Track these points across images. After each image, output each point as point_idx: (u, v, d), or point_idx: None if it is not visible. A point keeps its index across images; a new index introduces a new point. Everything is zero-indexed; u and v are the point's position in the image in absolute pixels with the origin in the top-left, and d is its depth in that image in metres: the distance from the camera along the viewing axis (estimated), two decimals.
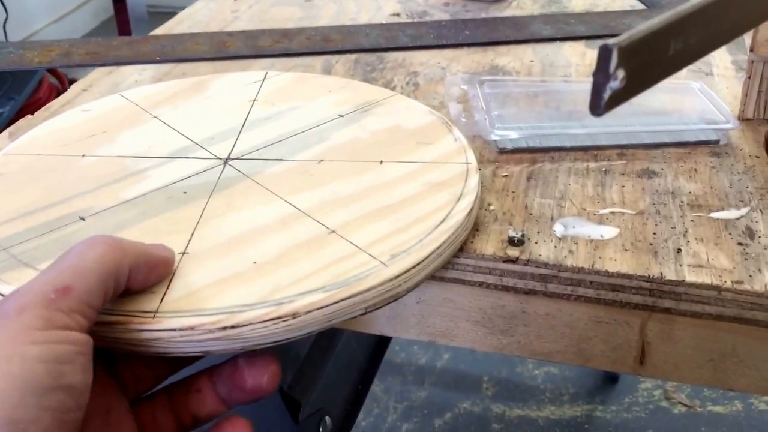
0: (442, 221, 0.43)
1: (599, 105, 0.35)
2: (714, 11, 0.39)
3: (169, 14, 0.84)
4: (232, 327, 0.37)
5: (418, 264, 0.41)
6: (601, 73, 0.34)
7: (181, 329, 0.37)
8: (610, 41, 0.33)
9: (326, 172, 0.49)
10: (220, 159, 0.50)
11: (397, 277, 0.40)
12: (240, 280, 0.40)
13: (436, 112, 0.54)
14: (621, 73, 0.34)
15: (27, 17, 2.96)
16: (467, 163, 0.49)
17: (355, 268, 0.40)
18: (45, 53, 0.71)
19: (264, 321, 0.38)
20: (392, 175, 0.48)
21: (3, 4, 2.63)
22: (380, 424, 1.47)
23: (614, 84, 0.34)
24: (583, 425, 1.44)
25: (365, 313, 0.40)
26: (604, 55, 0.33)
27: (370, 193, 0.46)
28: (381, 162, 0.49)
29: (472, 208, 0.45)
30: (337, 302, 0.39)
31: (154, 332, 0.37)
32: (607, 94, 0.34)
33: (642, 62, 0.35)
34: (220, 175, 0.48)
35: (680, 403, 1.47)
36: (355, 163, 0.49)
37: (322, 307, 0.38)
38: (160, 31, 0.78)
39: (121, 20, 2.42)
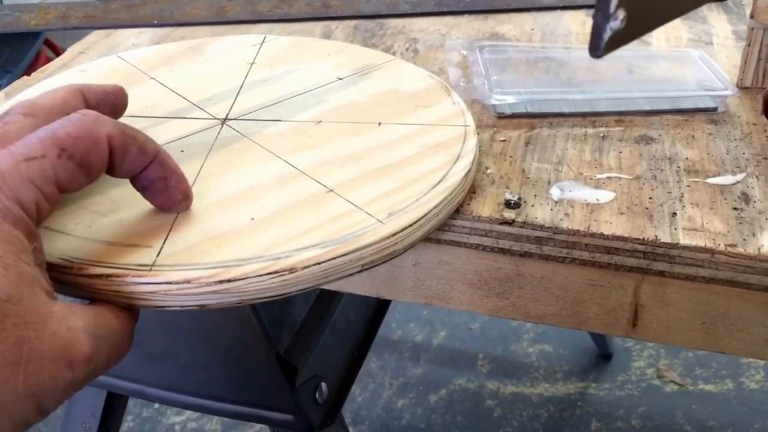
0: (440, 182, 0.43)
1: (599, 46, 0.34)
2: None
3: None
4: (229, 281, 0.37)
5: (414, 223, 0.41)
6: (601, 13, 0.34)
7: (177, 282, 0.37)
8: None
9: (324, 133, 0.49)
10: (218, 119, 0.50)
11: (393, 235, 0.40)
12: (237, 235, 0.40)
13: (435, 77, 0.54)
14: (621, 14, 0.34)
15: None
16: (465, 125, 0.49)
17: (353, 225, 0.40)
18: (42, 15, 0.71)
19: (261, 275, 0.38)
20: (390, 136, 0.48)
21: None
22: (376, 399, 1.48)
23: (614, 24, 0.34)
24: (576, 402, 1.45)
25: (361, 271, 0.40)
26: None
27: (368, 153, 0.46)
28: (379, 124, 0.49)
29: (469, 170, 0.45)
30: (334, 258, 0.39)
31: (150, 285, 0.37)
32: (607, 35, 0.34)
33: (642, 3, 0.35)
34: (218, 134, 0.48)
35: (672, 381, 1.48)
36: (353, 125, 0.49)
37: (318, 263, 0.38)
38: None
39: None
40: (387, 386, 1.51)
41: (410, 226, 0.41)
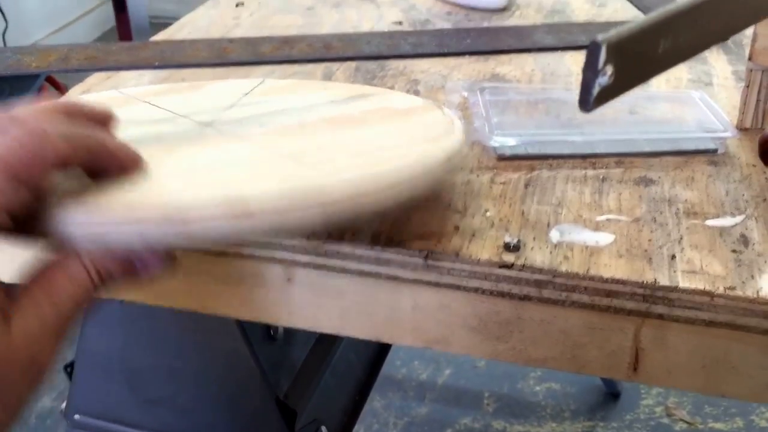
0: (416, 155, 0.43)
1: (588, 101, 0.35)
2: (704, 12, 0.39)
3: (171, 24, 0.84)
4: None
5: (384, 183, 0.40)
6: (590, 69, 0.34)
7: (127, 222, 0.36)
8: (600, 37, 0.33)
9: (308, 130, 0.48)
10: (203, 123, 0.49)
11: (360, 192, 0.39)
12: (198, 187, 0.39)
13: (429, 100, 0.54)
14: (610, 69, 0.34)
15: (27, 27, 2.96)
16: (454, 125, 0.48)
17: (314, 176, 0.40)
18: (43, 58, 0.71)
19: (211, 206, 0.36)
20: (377, 129, 0.48)
21: (2, 14, 2.63)
22: None
23: (603, 80, 0.34)
24: None
25: (326, 220, 0.38)
26: (593, 50, 0.34)
27: (352, 139, 0.46)
28: (367, 122, 0.49)
29: (452, 156, 0.44)
30: (293, 199, 0.37)
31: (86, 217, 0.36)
32: (596, 90, 0.34)
33: (631, 59, 0.35)
34: (200, 132, 0.48)
35: (681, 420, 1.46)
36: (340, 125, 0.49)
37: (277, 198, 0.37)
38: (161, 36, 0.78)
39: (123, 31, 2.42)
40: (391, 426, 1.49)
41: (379, 184, 0.39)
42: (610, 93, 0.35)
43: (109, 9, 2.72)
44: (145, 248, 0.38)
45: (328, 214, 0.38)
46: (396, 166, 0.41)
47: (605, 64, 0.34)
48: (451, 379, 1.59)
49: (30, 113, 0.39)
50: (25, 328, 0.35)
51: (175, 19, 0.83)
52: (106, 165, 0.39)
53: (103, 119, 0.42)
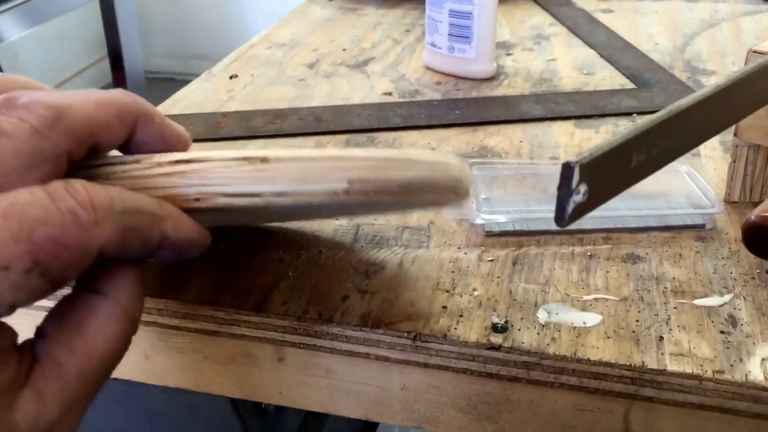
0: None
1: (563, 217, 0.36)
2: (676, 124, 0.40)
3: (167, 80, 0.86)
4: (188, 161, 0.34)
5: (405, 159, 0.39)
6: (564, 188, 0.35)
7: (128, 162, 0.35)
8: (572, 159, 0.34)
9: None
10: None
11: (383, 159, 0.38)
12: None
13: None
14: (583, 188, 0.35)
15: None
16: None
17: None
18: None
19: (226, 160, 0.35)
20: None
21: (2, 71, 2.65)
22: None
23: (577, 198, 0.35)
24: None
25: (348, 191, 0.36)
26: (566, 172, 0.34)
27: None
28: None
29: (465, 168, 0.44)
30: (315, 161, 0.36)
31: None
32: (570, 208, 0.35)
33: (604, 176, 0.36)
34: None
35: None
36: None
37: (297, 160, 0.35)
38: None
39: (119, 87, 2.44)
40: None
41: (402, 160, 0.38)
42: (584, 209, 0.36)
43: (105, 66, 2.76)
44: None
45: (350, 183, 0.36)
46: (418, 153, 0.40)
47: (579, 183, 0.35)
48: None
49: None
50: (37, 409, 0.30)
51: (171, 74, 0.84)
52: (155, 254, 0.34)
53: (179, 146, 0.38)
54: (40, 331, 0.32)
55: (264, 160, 0.35)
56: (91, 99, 0.34)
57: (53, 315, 0.33)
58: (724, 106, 0.45)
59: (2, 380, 0.29)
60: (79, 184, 0.30)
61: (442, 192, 0.41)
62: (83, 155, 0.33)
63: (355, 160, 0.37)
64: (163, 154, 0.35)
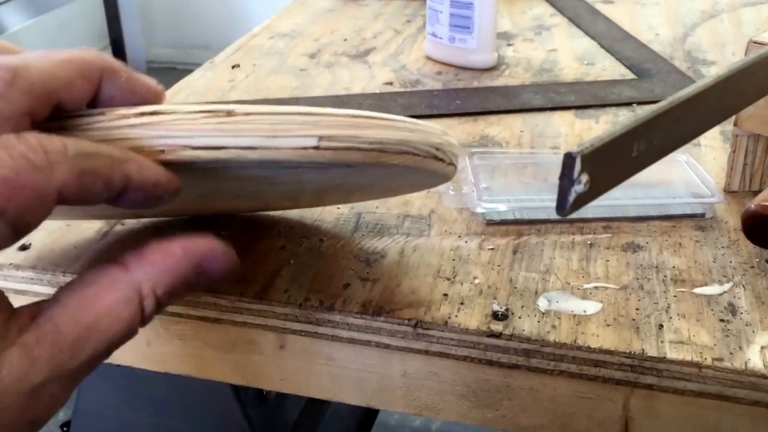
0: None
1: (565, 207, 0.36)
2: (676, 114, 0.40)
3: (168, 70, 0.85)
4: (153, 113, 0.34)
5: (380, 118, 0.38)
6: (566, 178, 0.35)
7: (92, 114, 0.34)
8: (574, 149, 0.34)
9: None
10: None
11: (356, 116, 0.37)
12: None
13: None
14: (585, 178, 0.35)
15: None
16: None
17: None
18: None
19: (193, 112, 0.34)
20: None
21: None
22: None
23: (579, 188, 0.35)
24: None
25: (318, 147, 0.35)
26: (567, 162, 0.35)
27: None
28: None
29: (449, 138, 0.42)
30: (283, 114, 0.35)
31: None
32: (572, 197, 0.35)
33: (605, 166, 0.36)
34: None
35: None
36: None
37: (264, 113, 0.35)
38: None
39: None
40: None
41: (377, 118, 0.37)
42: (586, 198, 0.36)
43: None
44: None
45: (320, 139, 0.35)
46: (398, 117, 0.39)
47: (580, 173, 0.35)
48: (445, 426, 1.59)
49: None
50: (23, 369, 0.30)
51: (172, 63, 0.84)
52: (122, 198, 0.34)
53: (151, 98, 0.38)
54: (55, 294, 0.33)
55: (230, 113, 0.34)
56: (49, 58, 0.34)
57: (73, 282, 0.33)
58: (725, 97, 0.45)
59: None
60: (30, 134, 0.31)
61: (421, 157, 0.40)
62: (47, 114, 0.33)
63: (327, 115, 0.36)
64: (129, 107, 0.35)
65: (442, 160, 0.41)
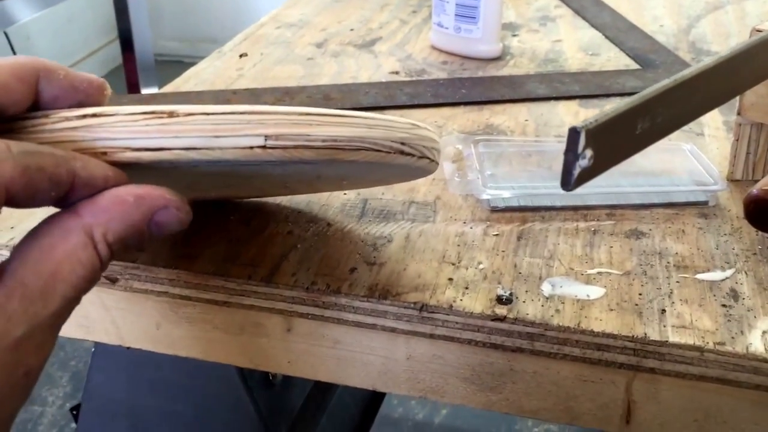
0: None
1: (569, 181, 0.36)
2: (680, 92, 0.40)
3: (175, 63, 0.86)
4: (94, 115, 0.34)
5: (337, 116, 0.37)
6: (570, 152, 0.36)
7: (36, 117, 0.35)
8: (579, 124, 0.35)
9: None
10: None
11: (304, 114, 0.36)
12: None
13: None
14: (589, 153, 0.36)
15: None
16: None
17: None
18: None
19: (134, 114, 0.34)
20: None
21: (13, 51, 2.67)
22: None
23: (583, 162, 0.36)
24: None
25: (265, 147, 0.35)
26: (572, 136, 0.35)
27: None
28: None
29: (419, 129, 0.42)
30: (226, 114, 0.34)
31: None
32: (576, 172, 0.36)
33: (609, 142, 0.37)
34: None
35: None
36: None
37: (206, 113, 0.34)
38: (169, 88, 0.80)
39: (129, 69, 2.46)
40: None
41: (327, 116, 0.37)
42: (590, 174, 0.37)
43: (116, 48, 2.77)
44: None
45: (267, 138, 0.35)
46: (357, 113, 0.38)
47: (584, 148, 0.35)
48: (448, 419, 1.59)
49: None
50: (2, 325, 0.31)
51: (180, 57, 0.85)
52: (71, 196, 0.34)
53: (93, 92, 0.38)
54: (12, 252, 0.34)
55: (172, 113, 0.34)
56: None
57: (27, 236, 0.34)
58: (727, 78, 0.45)
59: None
60: None
61: (383, 153, 0.39)
62: None
63: (275, 114, 0.36)
64: (72, 108, 0.35)
65: (410, 154, 0.41)
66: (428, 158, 0.43)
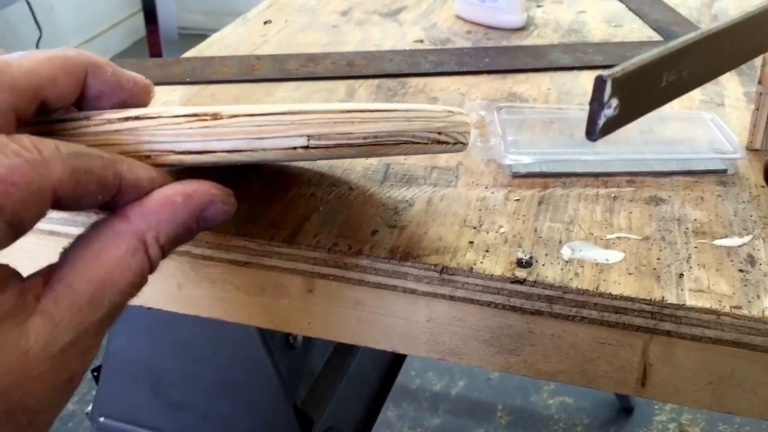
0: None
1: (594, 131, 0.37)
2: (706, 46, 0.40)
3: (199, 36, 0.87)
4: (137, 118, 0.34)
5: (375, 111, 0.38)
6: (596, 102, 0.36)
7: (78, 119, 0.35)
8: (605, 72, 0.35)
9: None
10: None
11: (345, 112, 0.37)
12: None
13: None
14: (614, 102, 0.36)
15: (60, 37, 3.02)
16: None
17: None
18: None
19: (177, 116, 0.34)
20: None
21: (37, 23, 2.68)
22: None
23: (608, 112, 0.36)
24: None
25: (308, 147, 0.36)
26: (598, 85, 0.35)
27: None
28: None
29: (453, 118, 0.43)
30: (269, 115, 0.35)
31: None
32: (601, 121, 0.36)
33: (635, 92, 0.37)
34: None
35: None
36: None
37: (250, 115, 0.35)
38: (192, 53, 0.80)
39: (153, 41, 2.46)
40: None
41: (367, 111, 0.38)
42: (615, 124, 0.37)
43: (139, 20, 2.78)
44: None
45: (309, 138, 0.36)
46: (394, 105, 0.39)
47: (610, 97, 0.36)
48: (465, 390, 1.61)
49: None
50: (50, 333, 0.30)
51: (203, 30, 0.85)
52: (117, 200, 0.34)
53: (139, 91, 0.38)
54: (61, 256, 0.34)
55: (216, 116, 0.34)
56: (31, 56, 0.34)
57: (77, 240, 0.34)
58: (753, 34, 0.45)
59: (2, 309, 0.30)
60: (22, 135, 0.31)
61: (421, 144, 0.40)
62: (32, 112, 0.34)
63: (315, 113, 0.36)
64: (115, 110, 0.35)
65: (445, 142, 0.42)
66: (462, 143, 0.44)
